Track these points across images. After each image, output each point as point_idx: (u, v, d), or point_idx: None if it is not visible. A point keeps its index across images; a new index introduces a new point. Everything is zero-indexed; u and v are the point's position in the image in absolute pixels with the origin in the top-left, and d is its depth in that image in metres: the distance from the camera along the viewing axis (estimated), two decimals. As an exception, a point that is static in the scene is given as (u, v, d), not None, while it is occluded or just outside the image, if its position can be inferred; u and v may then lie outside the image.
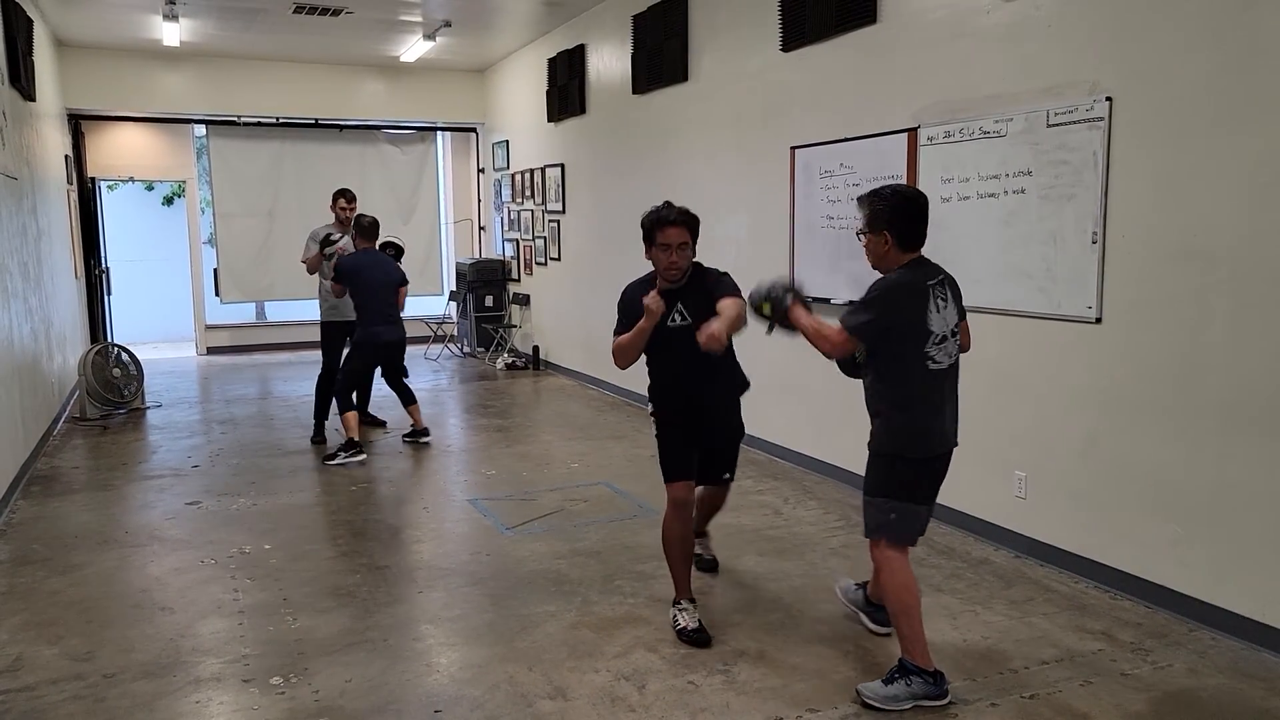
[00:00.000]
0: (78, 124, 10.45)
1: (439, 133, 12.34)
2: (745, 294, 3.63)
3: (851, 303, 3.05)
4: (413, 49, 9.90)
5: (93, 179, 10.89)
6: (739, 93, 6.32)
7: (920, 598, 3.06)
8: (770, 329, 3.16)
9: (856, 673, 3.17)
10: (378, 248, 6.58)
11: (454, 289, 11.95)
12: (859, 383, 3.20)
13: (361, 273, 6.31)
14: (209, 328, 12.00)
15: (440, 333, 11.53)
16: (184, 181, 11.81)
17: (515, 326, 10.94)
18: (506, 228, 11.26)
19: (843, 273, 5.27)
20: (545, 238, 9.99)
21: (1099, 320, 3.85)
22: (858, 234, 3.14)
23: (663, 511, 3.63)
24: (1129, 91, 3.68)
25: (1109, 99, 3.74)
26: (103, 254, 11.01)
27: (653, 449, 3.72)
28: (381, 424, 7.26)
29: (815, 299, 5.57)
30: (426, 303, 12.81)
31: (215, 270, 11.36)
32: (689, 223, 3.45)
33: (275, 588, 4.01)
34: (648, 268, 3.59)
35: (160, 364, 10.76)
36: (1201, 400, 3.49)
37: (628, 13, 7.66)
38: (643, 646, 3.41)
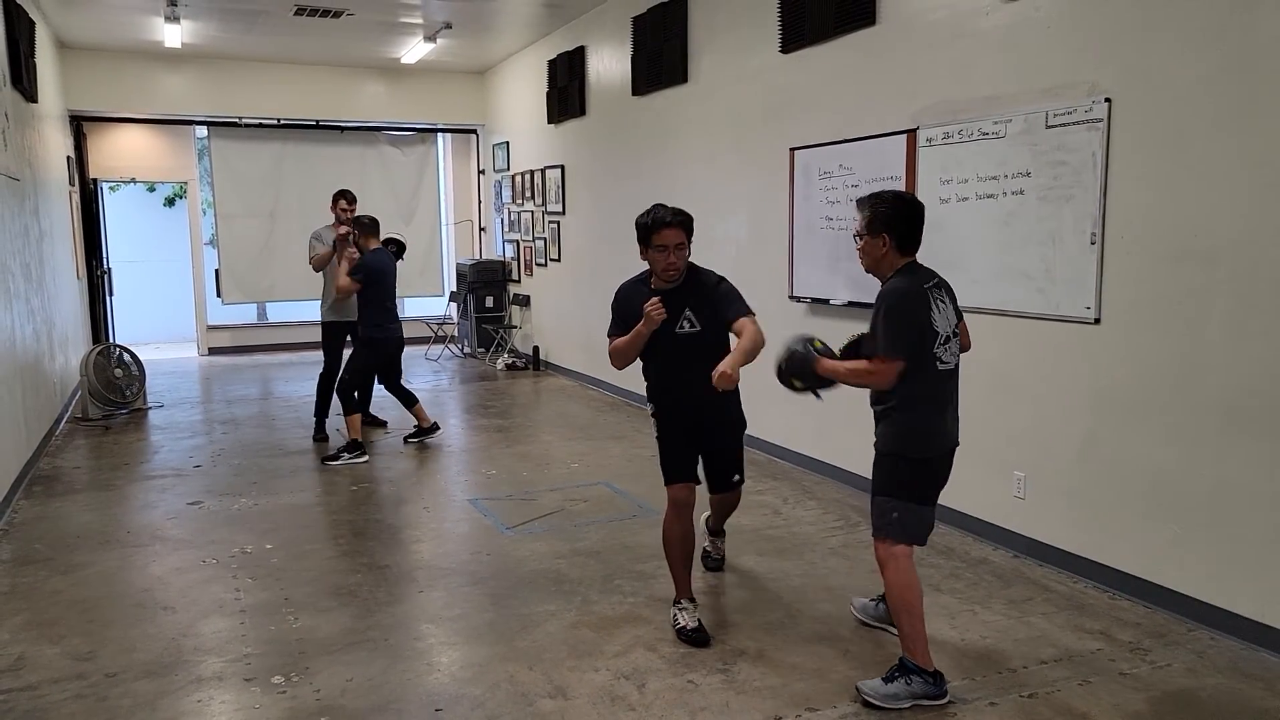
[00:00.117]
0: (80, 125, 10.47)
1: (439, 134, 12.36)
2: (744, 294, 3.67)
3: (869, 310, 3.05)
4: (413, 51, 9.92)
5: (94, 180, 10.91)
6: (738, 94, 6.33)
7: (923, 597, 3.07)
8: (816, 394, 3.17)
9: (856, 672, 3.18)
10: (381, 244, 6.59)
11: (454, 290, 11.97)
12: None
13: (382, 271, 6.33)
14: (210, 328, 12.02)
15: (441, 333, 11.54)
16: (185, 182, 11.83)
17: (515, 327, 10.96)
18: (507, 229, 11.28)
19: (841, 274, 5.29)
20: (545, 239, 10.00)
21: (1098, 321, 3.86)
22: (855, 236, 3.15)
23: (662, 511, 3.65)
24: (1128, 92, 3.69)
25: (1108, 100, 3.75)
26: (104, 255, 11.03)
27: (653, 449, 3.73)
28: (382, 424, 7.27)
29: (814, 299, 5.60)
30: (427, 303, 12.85)
31: (216, 271, 11.38)
32: (685, 223, 3.48)
33: (277, 587, 4.02)
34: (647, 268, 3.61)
35: (162, 364, 10.78)
36: (1200, 400, 3.50)
37: (627, 14, 7.68)
38: (642, 646, 3.42)
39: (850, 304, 5.25)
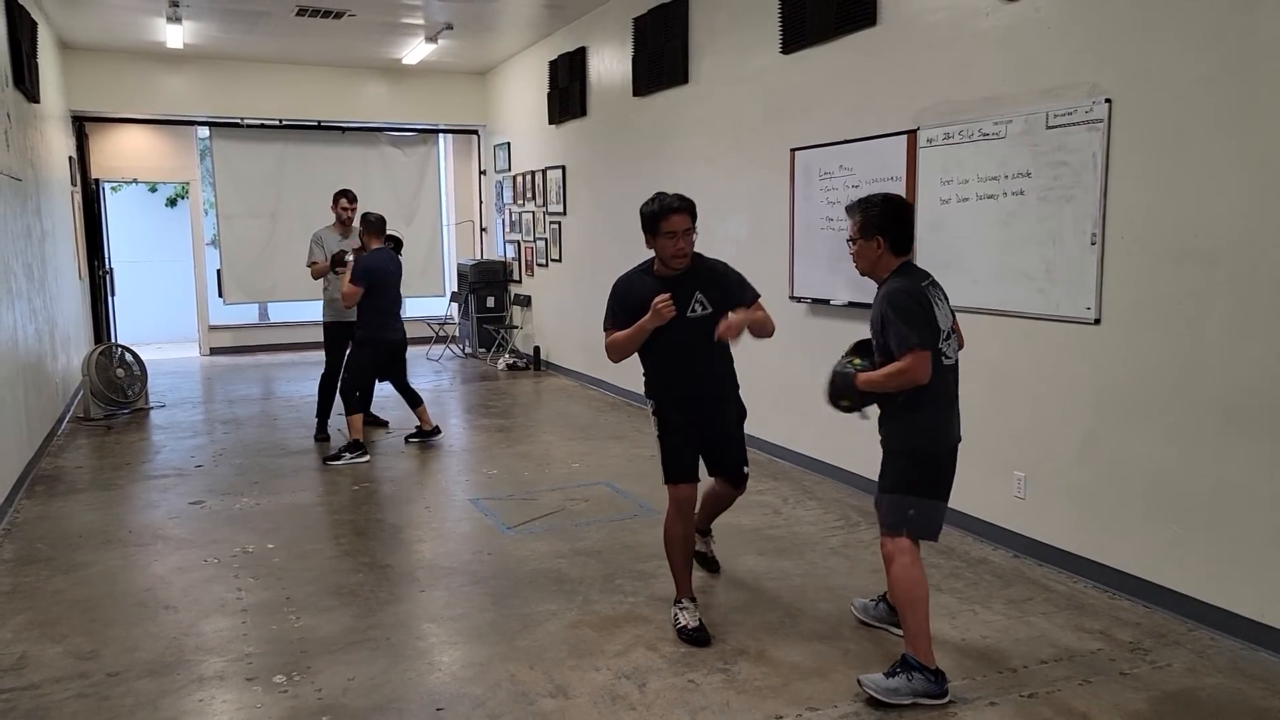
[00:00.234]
0: (82, 126, 10.49)
1: (441, 135, 12.37)
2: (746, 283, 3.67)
3: (869, 310, 3.06)
4: (414, 51, 9.93)
5: (96, 180, 10.93)
6: (739, 95, 6.34)
7: (929, 595, 3.07)
8: (863, 413, 3.19)
9: (856, 672, 3.18)
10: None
11: (455, 290, 11.97)
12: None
13: (383, 272, 6.31)
14: (212, 328, 12.03)
15: (442, 333, 11.55)
16: (187, 183, 11.84)
17: (516, 327, 10.97)
18: (508, 229, 11.29)
19: (842, 274, 5.29)
20: (546, 239, 10.01)
21: (1098, 321, 3.87)
22: (848, 240, 3.18)
23: (663, 511, 3.65)
24: (1128, 93, 3.70)
25: (1108, 101, 3.75)
26: (106, 255, 11.04)
27: (653, 449, 3.74)
28: (384, 424, 7.28)
29: (815, 300, 5.61)
30: (428, 304, 12.86)
31: (218, 271, 11.40)
32: (691, 208, 3.52)
33: (278, 587, 4.03)
34: None
35: (164, 364, 10.79)
36: (1200, 400, 3.50)
37: (628, 15, 7.68)
38: (643, 645, 3.42)
39: (851, 304, 5.26)
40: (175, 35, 8.84)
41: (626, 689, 3.10)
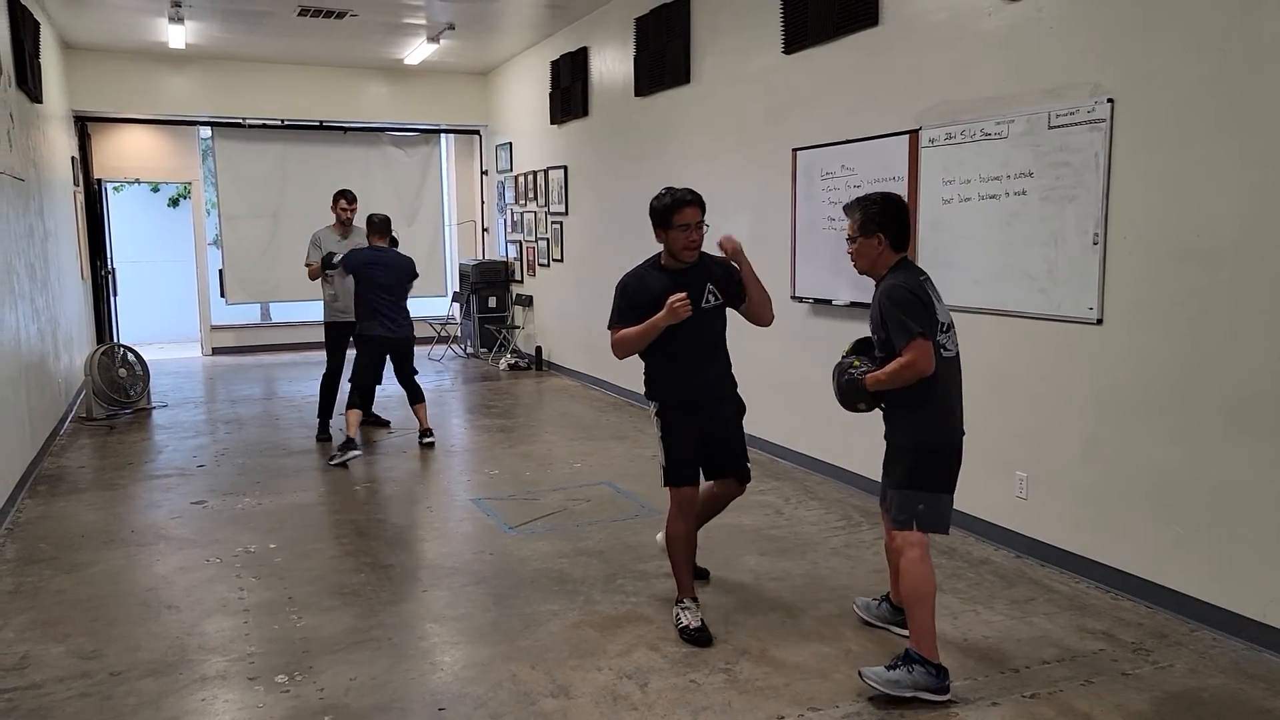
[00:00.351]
0: (84, 126, 10.50)
1: (442, 135, 12.38)
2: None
3: (883, 312, 3.06)
4: (416, 51, 9.93)
5: (99, 180, 10.94)
6: (741, 95, 6.33)
7: (936, 591, 3.08)
8: (881, 406, 3.21)
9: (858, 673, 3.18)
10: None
11: (457, 290, 11.98)
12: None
13: (363, 268, 6.33)
14: (214, 328, 12.05)
15: (444, 334, 11.55)
16: (189, 183, 11.85)
17: (518, 327, 10.97)
18: (509, 229, 11.29)
19: (844, 274, 5.28)
20: (548, 239, 10.01)
21: (1100, 321, 3.86)
22: (848, 239, 3.20)
23: (664, 512, 3.65)
24: (1131, 93, 3.69)
25: (1110, 101, 3.75)
26: (109, 255, 11.05)
27: (653, 450, 3.74)
28: (385, 424, 7.29)
29: (816, 300, 5.61)
30: (430, 304, 12.86)
31: (220, 271, 11.42)
32: (702, 202, 3.59)
33: (280, 586, 4.04)
34: None
35: (166, 364, 10.80)
36: (1203, 401, 3.50)
37: (630, 15, 7.69)
38: (645, 645, 3.42)
39: (852, 304, 5.25)
40: (177, 35, 8.85)
41: (628, 689, 3.10)
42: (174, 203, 14.27)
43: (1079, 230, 3.91)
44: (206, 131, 11.63)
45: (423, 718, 2.95)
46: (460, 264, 12.06)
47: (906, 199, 4.73)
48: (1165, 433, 3.64)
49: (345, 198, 6.92)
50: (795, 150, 5.72)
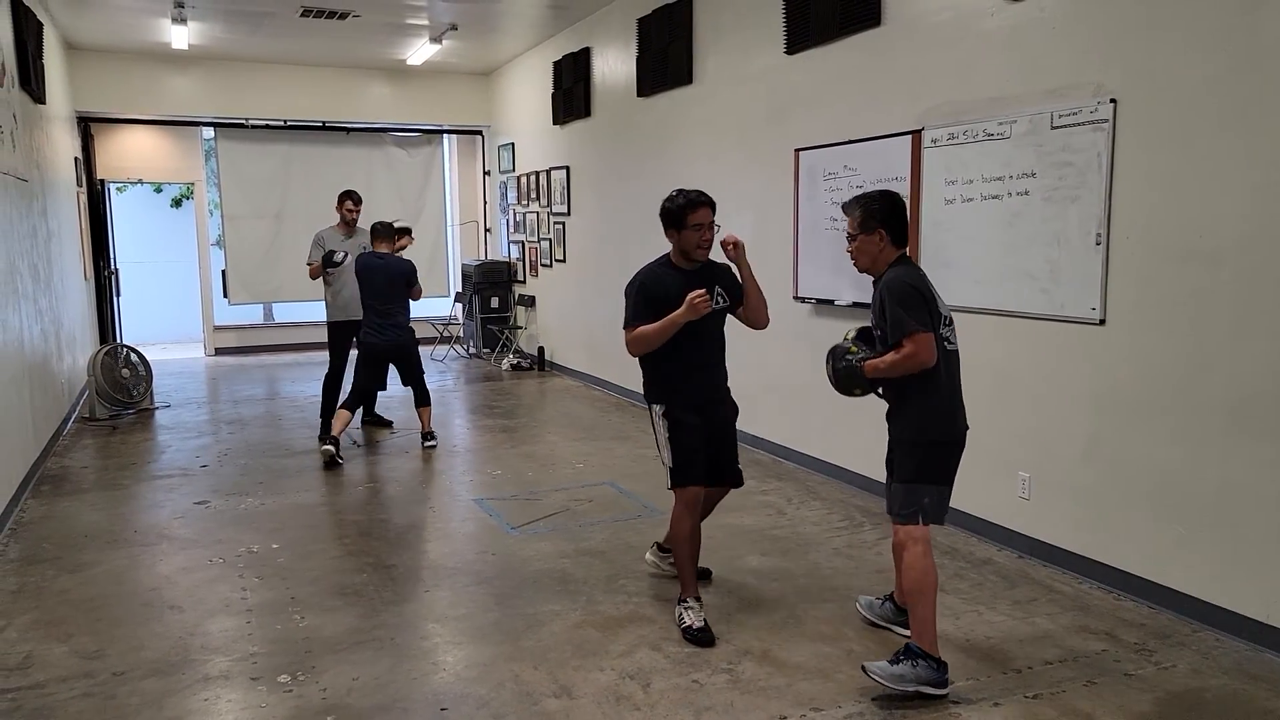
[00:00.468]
0: (87, 126, 10.52)
1: (445, 135, 12.38)
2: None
3: (883, 304, 3.07)
4: (419, 52, 9.94)
5: (102, 181, 10.95)
6: (743, 95, 6.33)
7: (938, 585, 3.09)
8: (878, 393, 3.24)
9: (860, 672, 3.18)
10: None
11: (460, 290, 11.99)
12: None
13: (361, 272, 6.33)
14: (217, 329, 12.06)
15: (446, 334, 11.56)
16: (192, 184, 11.86)
17: (520, 328, 10.97)
18: (512, 230, 11.30)
19: (846, 275, 5.28)
20: (550, 239, 10.02)
21: (1103, 322, 3.86)
22: (848, 237, 3.22)
23: (667, 512, 3.65)
24: (1134, 93, 3.69)
25: (1113, 101, 3.75)
26: (112, 255, 11.07)
27: (656, 452, 3.74)
28: (388, 424, 7.29)
29: (819, 300, 5.61)
30: (432, 304, 12.85)
31: (223, 272, 11.43)
32: (714, 204, 3.66)
33: (283, 586, 4.04)
34: None
35: (169, 365, 10.82)
36: (1206, 401, 3.49)
37: (633, 16, 7.69)
38: (647, 645, 3.42)
39: (855, 304, 5.25)
40: (180, 36, 8.86)
41: (631, 689, 3.10)
42: (177, 203, 14.29)
43: (1081, 230, 3.91)
44: (209, 132, 11.64)
45: (425, 718, 2.96)
46: (463, 264, 12.07)
47: (909, 200, 4.75)
48: (1168, 433, 3.64)
49: (351, 198, 6.93)
50: (797, 150, 5.72)
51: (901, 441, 3.16)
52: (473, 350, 11.45)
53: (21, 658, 3.38)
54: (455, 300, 12.08)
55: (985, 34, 4.37)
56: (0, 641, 3.52)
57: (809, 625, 3.60)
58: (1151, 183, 3.64)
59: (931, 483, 3.09)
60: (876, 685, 3.00)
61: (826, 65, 5.50)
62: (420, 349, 6.81)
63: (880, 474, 3.40)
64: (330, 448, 6.11)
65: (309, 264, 6.88)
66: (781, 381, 5.91)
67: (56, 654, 3.41)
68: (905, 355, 3.00)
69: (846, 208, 3.23)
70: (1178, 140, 3.54)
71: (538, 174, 10.23)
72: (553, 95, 9.52)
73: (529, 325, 10.86)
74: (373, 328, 6.37)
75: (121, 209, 12.47)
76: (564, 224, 9.64)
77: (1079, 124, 3.89)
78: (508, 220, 11.44)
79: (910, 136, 4.79)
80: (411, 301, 6.55)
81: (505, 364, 10.39)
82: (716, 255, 3.70)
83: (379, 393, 7.13)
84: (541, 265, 10.37)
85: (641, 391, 3.83)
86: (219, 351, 11.94)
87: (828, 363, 3.27)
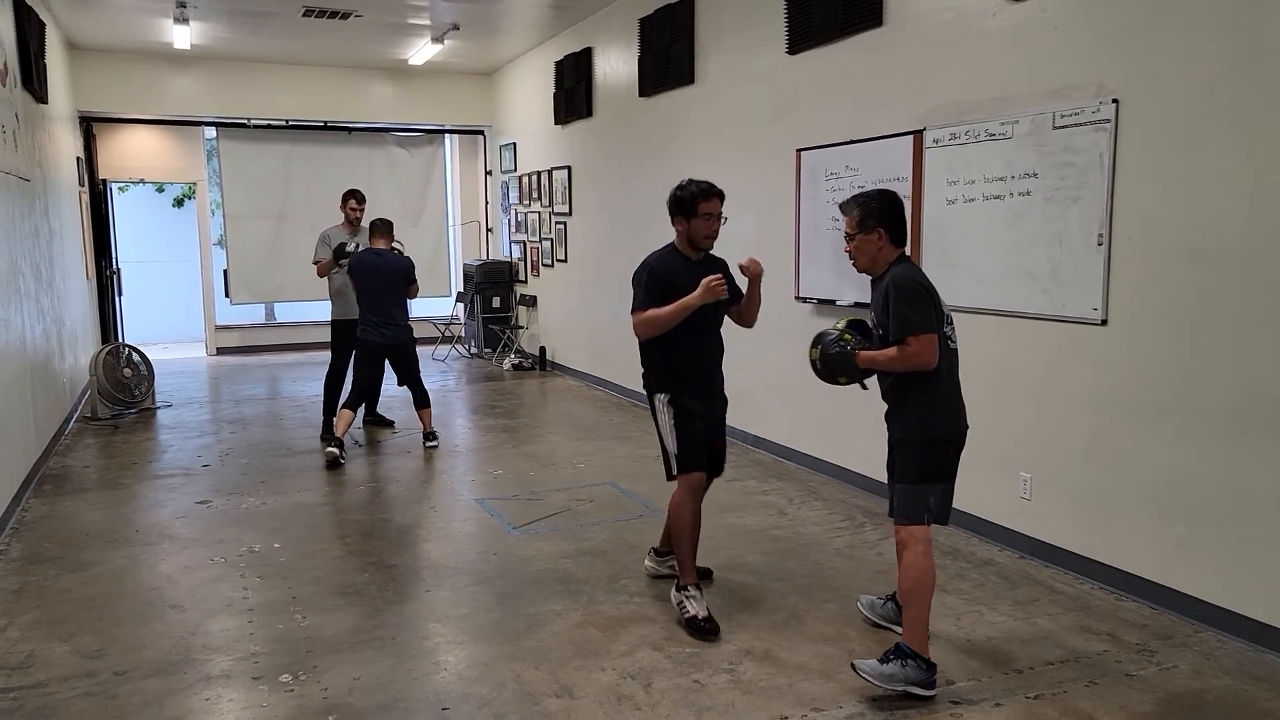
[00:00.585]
0: (89, 126, 10.53)
1: (447, 135, 12.39)
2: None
3: (888, 302, 3.06)
4: (421, 52, 9.94)
5: (104, 181, 10.96)
6: (745, 95, 6.33)
7: (934, 587, 3.10)
8: (862, 385, 3.23)
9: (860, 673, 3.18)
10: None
11: (461, 290, 11.99)
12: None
13: (357, 270, 6.31)
14: (219, 328, 12.07)
15: (448, 334, 11.56)
16: (194, 183, 11.88)
17: (522, 328, 10.98)
18: (513, 230, 11.30)
19: (847, 275, 5.27)
20: (552, 239, 10.02)
21: (1104, 322, 3.86)
22: (846, 236, 3.21)
23: (667, 512, 3.65)
24: (1136, 93, 3.69)
25: (1116, 101, 3.74)
26: (114, 255, 11.07)
27: (658, 443, 3.74)
28: (390, 424, 7.30)
29: (820, 300, 5.60)
30: (434, 304, 12.87)
31: (225, 271, 11.44)
32: (723, 195, 3.71)
33: (284, 586, 4.04)
34: None
35: (171, 364, 10.83)
36: (1208, 402, 3.49)
37: (634, 16, 7.69)
38: (648, 645, 3.42)
39: (856, 304, 5.25)
40: (182, 36, 8.87)
41: (632, 689, 3.10)
42: (179, 203, 14.30)
43: (1083, 231, 3.91)
44: (211, 132, 11.65)
45: (426, 717, 2.96)
46: (464, 264, 12.08)
47: (910, 200, 4.75)
48: (1170, 433, 3.64)
49: (355, 197, 6.94)
50: (799, 151, 5.72)
51: (903, 442, 3.16)
52: (474, 350, 11.45)
53: (23, 657, 3.39)
54: (457, 300, 12.09)
55: (987, 34, 4.37)
56: (2, 641, 3.53)
57: (810, 625, 3.60)
58: (1154, 183, 3.64)
59: (936, 482, 3.10)
60: (872, 685, 3.00)
61: (828, 65, 5.50)
62: (418, 349, 6.79)
63: (882, 474, 3.40)
64: (334, 450, 6.11)
65: (316, 262, 6.87)
66: (783, 382, 5.91)
67: (58, 653, 3.42)
68: (908, 354, 3.00)
69: (844, 207, 3.23)
70: (1180, 140, 3.53)
71: (539, 174, 10.23)
72: (554, 95, 9.52)
73: (530, 325, 10.86)
74: (371, 325, 6.35)
75: (123, 208, 12.48)
76: (565, 224, 9.65)
77: (1081, 124, 3.89)
78: (509, 220, 11.44)
79: (912, 136, 4.79)
80: (409, 300, 6.55)
81: (507, 364, 10.39)
82: (720, 253, 3.71)
83: (379, 392, 7.15)
84: (543, 265, 10.37)
85: (643, 391, 3.83)
86: (221, 351, 11.95)
87: (814, 347, 3.26)
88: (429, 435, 6.63)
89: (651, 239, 3.69)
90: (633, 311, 3.66)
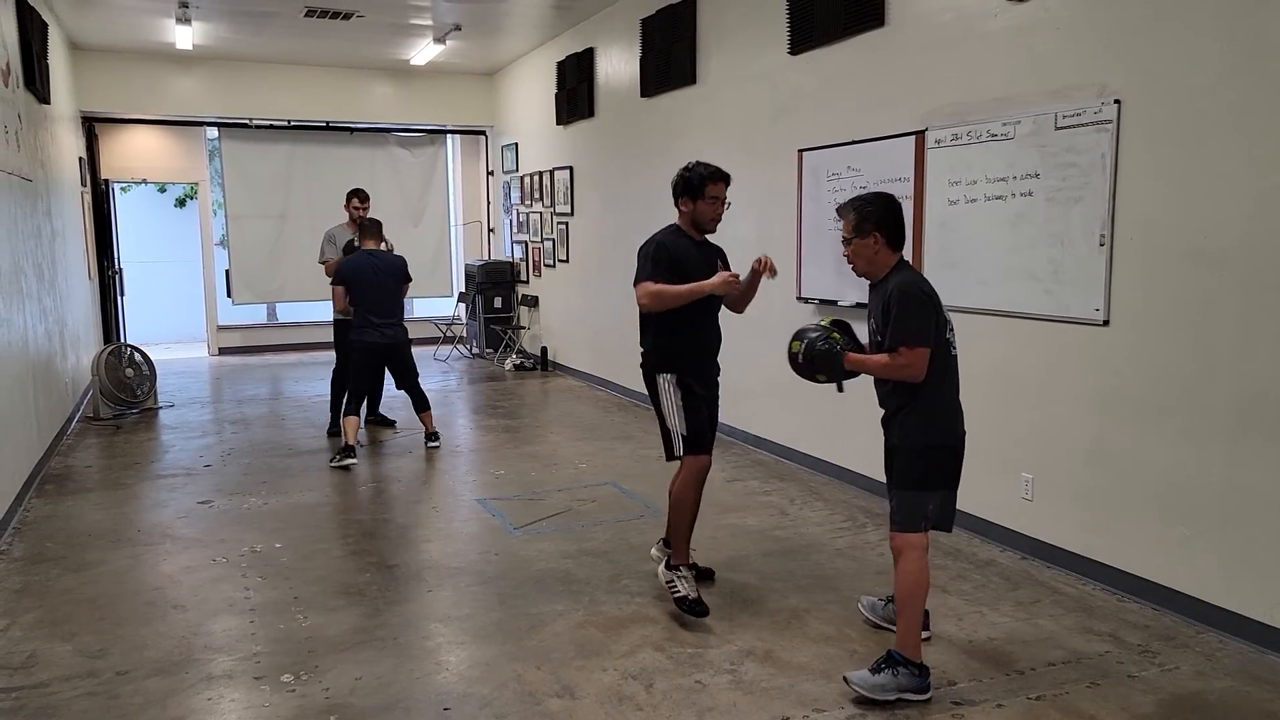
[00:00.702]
0: (92, 126, 10.54)
1: (448, 135, 12.39)
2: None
3: (888, 308, 3.05)
4: (423, 52, 9.95)
5: (106, 181, 10.98)
6: (747, 95, 6.33)
7: (928, 591, 3.09)
8: (839, 386, 3.22)
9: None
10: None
11: (463, 290, 12.00)
12: (865, 383, 3.22)
13: (356, 273, 6.29)
14: (221, 328, 12.09)
15: (449, 334, 11.57)
16: (196, 183, 11.89)
17: (523, 328, 10.98)
18: (515, 230, 11.30)
19: (849, 275, 5.23)
20: (553, 240, 10.02)
21: (1106, 323, 3.85)
22: (843, 241, 3.19)
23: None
24: (1138, 94, 3.68)
25: (1118, 101, 3.74)
26: (116, 255, 11.09)
27: (661, 426, 3.75)
28: (391, 424, 7.30)
29: (822, 300, 5.60)
30: (436, 304, 12.88)
31: (227, 271, 11.45)
32: (729, 179, 3.77)
33: (286, 586, 4.05)
34: None
35: (172, 364, 10.84)
36: (1210, 403, 3.49)
37: (636, 16, 7.69)
38: (650, 646, 3.42)
39: (858, 305, 5.24)
40: (184, 36, 8.88)
41: (633, 689, 3.10)
42: (181, 203, 14.32)
43: (1085, 231, 3.90)
44: (213, 132, 11.66)
45: (428, 717, 2.96)
46: (466, 264, 12.09)
47: (912, 200, 4.75)
48: (1172, 434, 3.63)
49: (358, 196, 6.96)
50: (801, 151, 5.72)
51: (902, 448, 3.13)
52: (476, 350, 11.45)
53: (25, 657, 3.39)
54: (458, 300, 12.09)
55: (989, 35, 4.36)
56: (4, 640, 3.53)
57: (812, 626, 3.60)
58: (1156, 183, 3.64)
59: (936, 489, 3.08)
60: (865, 697, 2.98)
61: (830, 66, 5.50)
62: (415, 350, 6.79)
63: (883, 475, 3.40)
64: (353, 459, 6.08)
65: (323, 262, 6.88)
66: (784, 382, 5.88)
67: (60, 653, 3.42)
68: (898, 364, 2.99)
69: (840, 211, 3.19)
70: (1182, 141, 3.53)
71: (541, 174, 10.23)
72: (556, 95, 9.52)
73: (532, 325, 10.86)
74: (372, 327, 6.32)
75: (125, 209, 12.49)
76: (567, 224, 9.65)
77: (1083, 125, 3.88)
78: (511, 220, 11.45)
79: (914, 137, 4.79)
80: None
81: (508, 364, 10.39)
82: (720, 239, 3.72)
83: (378, 393, 7.15)
84: (545, 265, 10.37)
85: (644, 391, 3.83)
86: (222, 351, 11.97)
87: (796, 340, 3.21)
88: (430, 435, 6.63)
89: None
90: (638, 282, 3.66)
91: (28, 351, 5.84)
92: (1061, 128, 3.98)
